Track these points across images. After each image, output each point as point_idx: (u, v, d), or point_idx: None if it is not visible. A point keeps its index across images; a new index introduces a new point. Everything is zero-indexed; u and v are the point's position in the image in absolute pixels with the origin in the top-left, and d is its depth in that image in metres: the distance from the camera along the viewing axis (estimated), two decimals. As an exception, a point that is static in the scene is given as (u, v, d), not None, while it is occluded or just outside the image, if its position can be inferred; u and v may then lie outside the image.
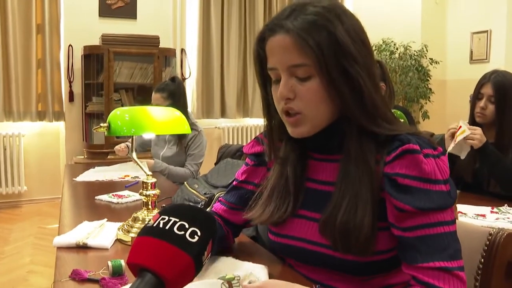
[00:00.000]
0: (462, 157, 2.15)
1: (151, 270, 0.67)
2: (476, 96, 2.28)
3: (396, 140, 0.97)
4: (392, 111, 2.61)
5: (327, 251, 1.01)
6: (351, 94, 0.97)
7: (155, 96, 3.07)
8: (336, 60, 0.95)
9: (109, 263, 1.11)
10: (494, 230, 1.15)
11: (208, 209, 1.46)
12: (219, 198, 1.32)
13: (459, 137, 2.14)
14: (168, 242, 0.69)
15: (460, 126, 2.16)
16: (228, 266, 1.13)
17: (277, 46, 0.98)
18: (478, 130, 2.12)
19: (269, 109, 1.10)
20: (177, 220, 0.71)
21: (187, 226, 0.71)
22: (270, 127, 1.12)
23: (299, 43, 0.95)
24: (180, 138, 3.10)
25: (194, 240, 0.70)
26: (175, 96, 3.01)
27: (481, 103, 2.23)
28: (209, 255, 0.75)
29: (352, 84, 0.96)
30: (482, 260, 1.14)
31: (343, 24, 0.97)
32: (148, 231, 0.71)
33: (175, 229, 0.70)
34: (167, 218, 0.72)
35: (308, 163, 1.11)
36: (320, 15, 0.96)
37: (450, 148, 2.15)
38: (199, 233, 0.71)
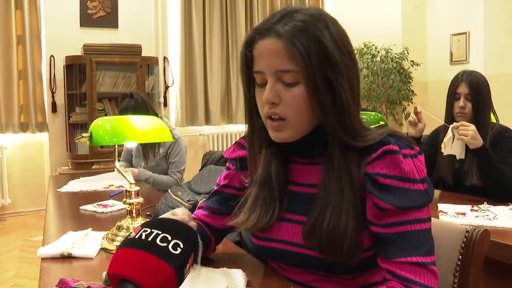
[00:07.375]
0: (462, 157, 2.18)
1: (132, 280, 0.66)
2: (453, 97, 2.33)
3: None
4: (371, 113, 2.59)
5: (312, 253, 1.02)
6: (332, 106, 0.98)
7: None
8: (322, 70, 0.96)
9: (104, 274, 1.12)
10: (471, 227, 1.18)
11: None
12: (200, 205, 1.32)
13: (446, 139, 2.18)
14: (151, 253, 0.68)
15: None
16: (205, 275, 1.12)
17: (267, 50, 0.98)
18: (472, 127, 2.09)
19: (251, 114, 1.10)
20: (160, 232, 0.71)
21: (169, 238, 0.71)
22: (252, 132, 1.12)
23: (290, 48, 0.95)
24: (144, 151, 3.08)
25: (177, 252, 0.70)
26: (139, 111, 2.97)
27: (460, 103, 2.28)
28: (191, 268, 0.75)
29: (333, 96, 0.98)
30: (460, 256, 1.16)
31: (331, 34, 0.97)
32: (129, 243, 0.71)
33: (157, 241, 0.70)
34: (149, 230, 0.71)
35: (290, 166, 1.12)
36: (310, 23, 0.97)
37: (446, 151, 2.19)
38: (181, 245, 0.71)
